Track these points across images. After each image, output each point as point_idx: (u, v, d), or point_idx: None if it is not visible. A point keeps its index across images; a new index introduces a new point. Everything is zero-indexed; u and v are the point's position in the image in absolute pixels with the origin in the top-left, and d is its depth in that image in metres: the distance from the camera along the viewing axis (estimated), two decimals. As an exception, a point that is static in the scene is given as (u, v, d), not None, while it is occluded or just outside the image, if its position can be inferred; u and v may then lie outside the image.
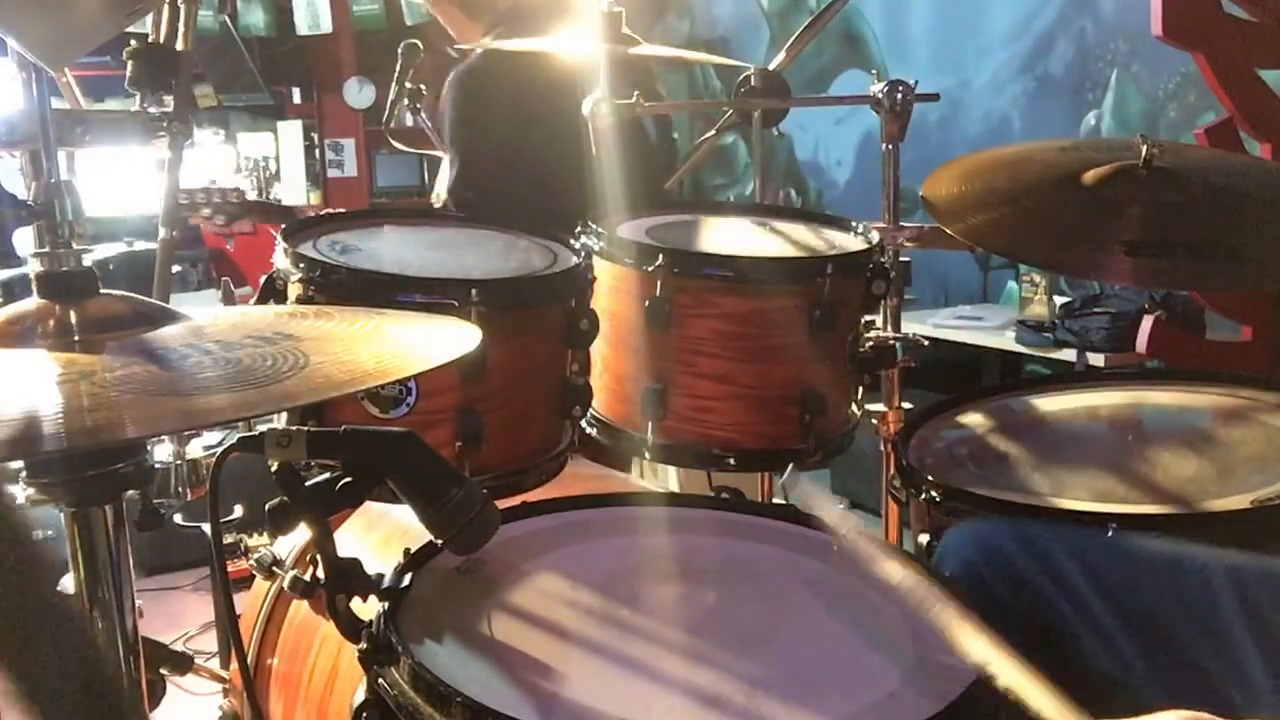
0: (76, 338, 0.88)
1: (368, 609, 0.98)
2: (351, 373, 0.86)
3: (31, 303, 0.91)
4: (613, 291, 1.45)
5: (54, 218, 0.90)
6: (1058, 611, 1.04)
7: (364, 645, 0.92)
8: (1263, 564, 1.05)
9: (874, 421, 1.78)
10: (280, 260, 1.31)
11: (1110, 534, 1.07)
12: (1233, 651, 1.00)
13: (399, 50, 2.75)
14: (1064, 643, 1.02)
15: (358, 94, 6.21)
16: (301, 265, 1.28)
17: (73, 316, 0.89)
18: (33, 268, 0.91)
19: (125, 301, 0.93)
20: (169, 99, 1.73)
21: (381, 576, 1.00)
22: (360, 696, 0.92)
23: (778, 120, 2.12)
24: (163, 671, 1.30)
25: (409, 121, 2.91)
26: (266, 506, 0.96)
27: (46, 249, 0.90)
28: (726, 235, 1.64)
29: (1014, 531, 1.14)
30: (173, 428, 0.81)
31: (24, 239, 0.94)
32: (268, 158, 6.33)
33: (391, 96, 2.80)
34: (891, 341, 1.67)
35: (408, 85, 2.77)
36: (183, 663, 1.43)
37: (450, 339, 0.96)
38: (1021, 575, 1.05)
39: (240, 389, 0.78)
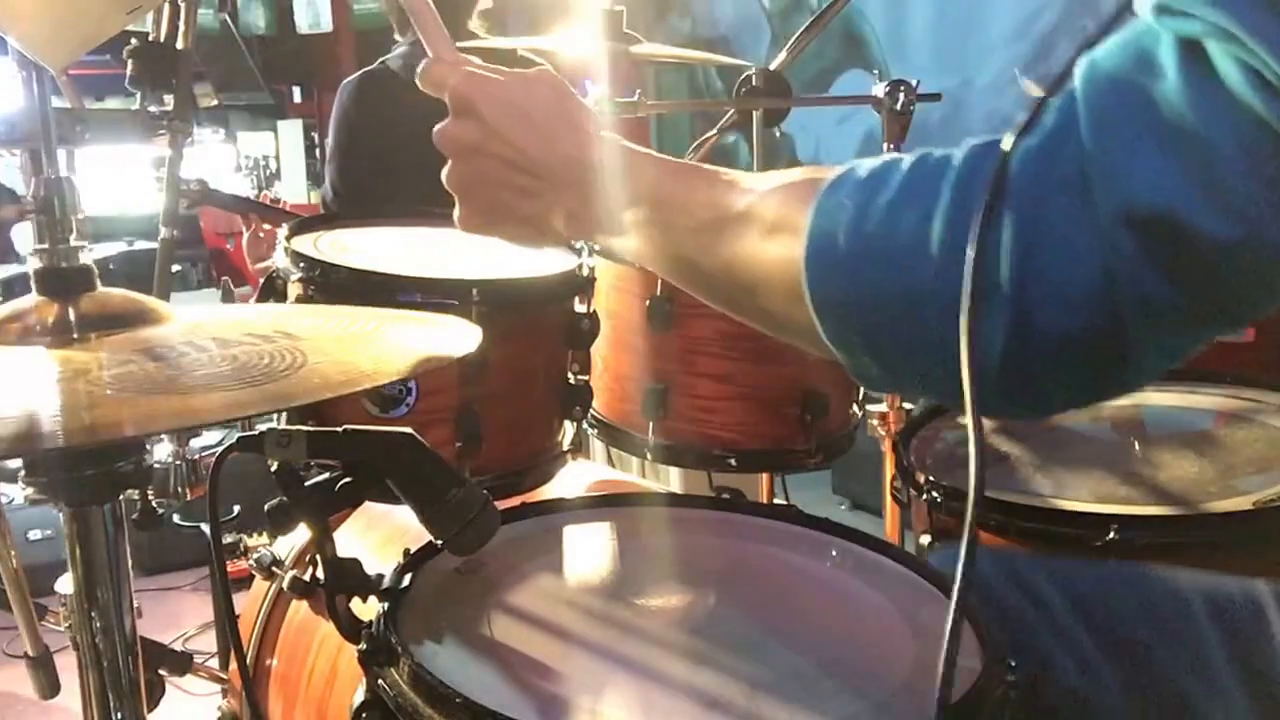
0: (75, 335, 0.88)
1: (367, 609, 0.97)
2: (349, 373, 0.86)
3: (30, 300, 0.91)
4: (614, 291, 1.45)
5: (53, 214, 0.90)
6: (1039, 636, 1.05)
7: (364, 646, 0.92)
8: (1241, 586, 1.06)
9: (875, 422, 1.78)
10: (280, 259, 1.31)
11: None
12: (1211, 674, 1.01)
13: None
14: (1044, 666, 1.03)
15: (358, 93, 6.20)
16: (302, 264, 1.28)
17: (71, 313, 0.89)
18: (31, 265, 0.91)
19: (124, 298, 0.93)
20: (169, 98, 1.73)
21: (381, 577, 1.00)
22: (360, 697, 0.92)
23: (779, 120, 2.11)
24: (161, 672, 1.30)
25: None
26: (266, 506, 0.96)
27: (45, 245, 0.90)
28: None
29: (995, 558, 1.16)
30: (169, 427, 0.80)
31: (22, 235, 0.93)
32: (268, 157, 6.33)
33: None
34: (893, 342, 1.67)
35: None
36: (182, 663, 1.43)
37: (450, 339, 0.96)
38: (1003, 601, 1.06)
39: (236, 388, 0.78)
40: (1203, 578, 1.08)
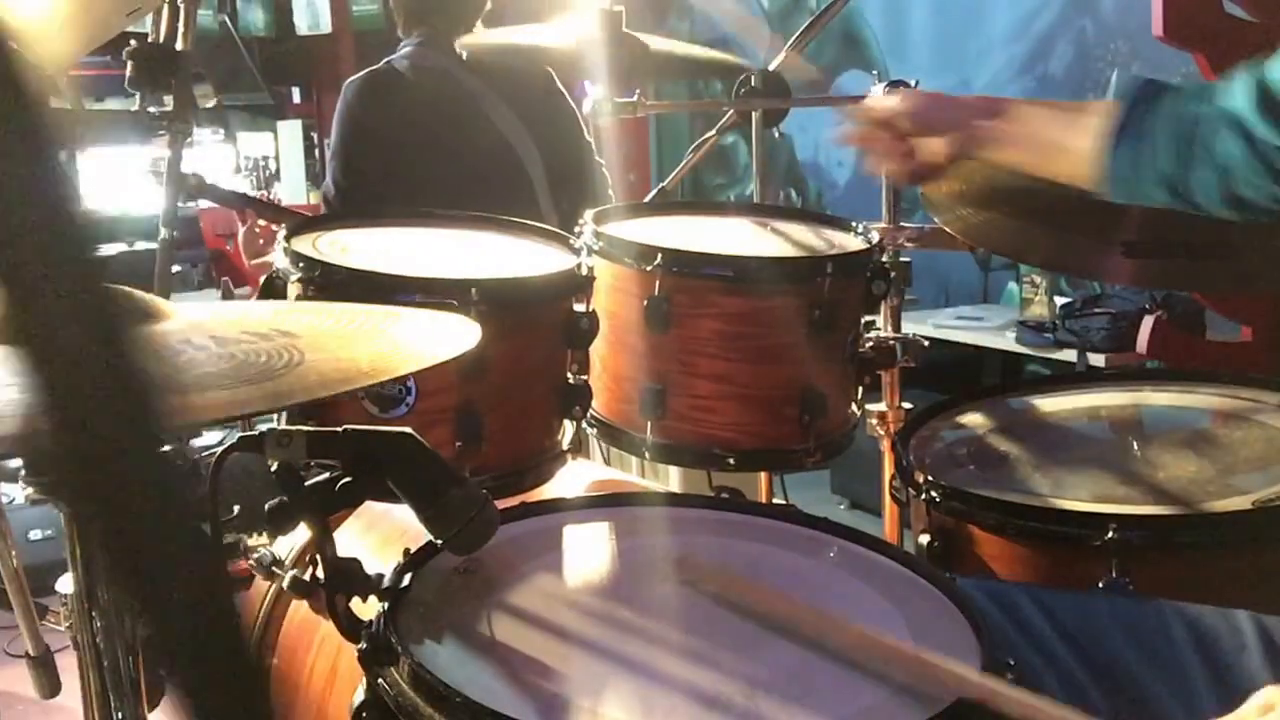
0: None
1: (367, 609, 0.98)
2: (346, 371, 0.86)
3: None
4: (612, 291, 1.45)
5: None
6: (1029, 664, 1.05)
7: (364, 645, 0.92)
8: (1224, 617, 1.07)
9: (874, 422, 1.78)
10: (280, 260, 1.31)
11: None
12: (1195, 702, 1.02)
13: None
14: (1032, 689, 1.04)
15: (357, 94, 6.20)
16: (301, 264, 1.28)
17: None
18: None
19: (123, 296, 0.93)
20: (169, 99, 1.73)
21: (381, 576, 1.00)
22: (360, 697, 0.92)
23: (778, 121, 2.11)
24: (162, 672, 1.30)
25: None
26: (266, 506, 0.96)
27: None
28: (726, 235, 1.64)
29: (987, 590, 1.17)
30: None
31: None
32: (267, 157, 6.33)
33: None
34: (891, 341, 1.67)
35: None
36: (182, 663, 1.43)
37: (448, 337, 0.96)
38: (995, 631, 1.07)
39: (234, 386, 0.78)
40: (1187, 608, 1.11)
